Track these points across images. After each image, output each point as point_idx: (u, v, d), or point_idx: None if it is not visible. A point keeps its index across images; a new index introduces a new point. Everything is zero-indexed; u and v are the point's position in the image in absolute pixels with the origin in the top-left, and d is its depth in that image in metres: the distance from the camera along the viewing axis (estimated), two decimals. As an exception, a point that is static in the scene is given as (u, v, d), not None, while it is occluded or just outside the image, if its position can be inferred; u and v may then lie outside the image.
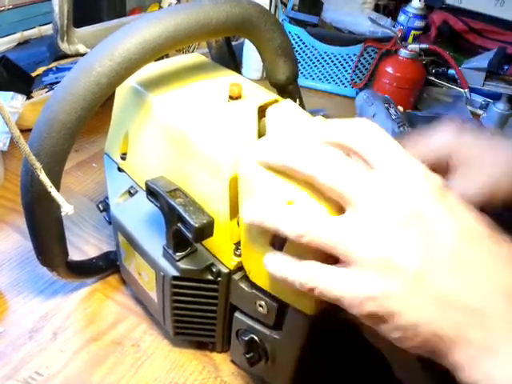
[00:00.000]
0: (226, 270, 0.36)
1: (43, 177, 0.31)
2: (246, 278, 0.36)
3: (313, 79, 0.97)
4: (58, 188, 0.35)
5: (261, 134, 0.37)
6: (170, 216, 0.34)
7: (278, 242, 0.31)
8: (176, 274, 0.37)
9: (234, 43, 0.93)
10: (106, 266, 0.49)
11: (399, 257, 0.24)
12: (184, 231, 0.33)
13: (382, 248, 0.24)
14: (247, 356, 0.37)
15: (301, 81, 0.81)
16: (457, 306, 0.23)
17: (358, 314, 0.25)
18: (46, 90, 0.77)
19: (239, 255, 0.36)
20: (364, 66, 0.93)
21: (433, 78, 0.96)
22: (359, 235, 0.25)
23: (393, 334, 0.25)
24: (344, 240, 0.25)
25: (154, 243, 0.38)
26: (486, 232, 0.25)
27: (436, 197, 0.25)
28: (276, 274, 0.29)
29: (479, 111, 0.90)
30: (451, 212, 0.25)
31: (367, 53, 0.91)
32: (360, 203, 0.25)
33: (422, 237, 0.24)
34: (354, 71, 0.93)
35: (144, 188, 0.36)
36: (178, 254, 0.36)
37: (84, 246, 0.53)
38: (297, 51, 0.94)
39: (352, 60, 0.92)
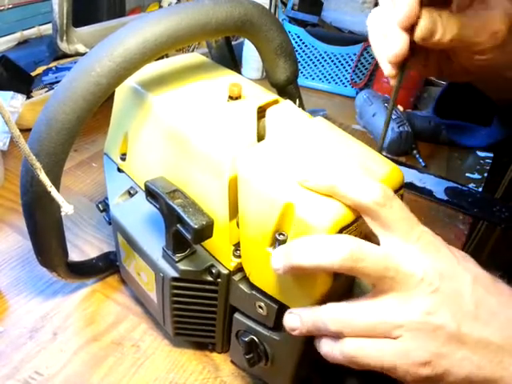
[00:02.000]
0: (225, 271, 0.36)
1: (43, 177, 0.31)
2: (245, 279, 0.36)
3: (313, 79, 0.97)
4: (57, 188, 0.35)
5: (260, 135, 0.37)
6: (170, 217, 0.34)
7: (278, 244, 0.31)
8: (175, 275, 0.37)
9: (233, 43, 0.93)
10: (105, 266, 0.49)
11: (436, 318, 0.25)
12: (183, 232, 0.33)
13: (421, 312, 0.25)
14: (247, 357, 0.37)
15: (301, 81, 0.81)
16: (492, 348, 0.25)
17: (412, 380, 0.26)
18: (46, 89, 0.77)
19: (239, 256, 0.35)
20: (364, 66, 0.93)
21: (433, 78, 0.96)
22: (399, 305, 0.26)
23: None
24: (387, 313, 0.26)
25: (154, 244, 0.38)
26: (489, 276, 0.27)
27: (457, 259, 0.27)
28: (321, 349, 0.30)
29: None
30: (464, 266, 0.27)
31: (367, 53, 0.91)
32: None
33: (449, 294, 0.26)
34: (353, 71, 0.93)
35: (144, 188, 0.36)
36: (178, 255, 0.36)
37: (84, 246, 0.53)
38: (297, 51, 0.94)
39: (352, 60, 0.92)
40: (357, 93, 0.90)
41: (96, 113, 0.35)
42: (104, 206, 0.47)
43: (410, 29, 0.30)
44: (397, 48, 0.31)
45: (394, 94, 0.36)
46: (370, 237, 0.29)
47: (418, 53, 0.33)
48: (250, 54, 0.94)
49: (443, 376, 0.25)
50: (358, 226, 0.30)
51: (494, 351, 0.25)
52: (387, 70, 0.34)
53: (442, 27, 0.30)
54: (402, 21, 0.30)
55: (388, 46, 0.31)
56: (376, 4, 1.07)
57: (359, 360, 0.27)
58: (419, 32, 0.30)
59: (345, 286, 0.33)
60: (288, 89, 0.47)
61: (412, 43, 0.31)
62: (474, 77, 0.38)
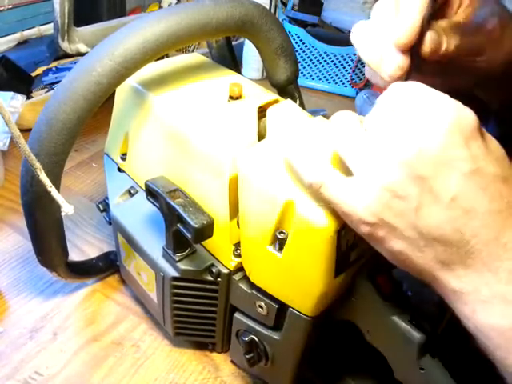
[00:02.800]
0: (225, 271, 0.36)
1: (43, 177, 0.31)
2: (245, 278, 0.36)
3: (313, 79, 0.97)
4: (57, 188, 0.35)
5: (261, 134, 0.37)
6: (170, 216, 0.34)
7: (279, 242, 0.31)
8: (176, 274, 0.37)
9: (233, 43, 0.93)
10: (105, 266, 0.49)
11: (400, 190, 0.24)
12: (184, 232, 0.33)
13: (386, 176, 0.24)
14: (247, 356, 0.37)
15: (301, 81, 0.81)
16: (442, 241, 0.24)
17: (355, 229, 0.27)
18: (46, 89, 0.77)
19: (239, 256, 0.35)
20: (364, 66, 0.93)
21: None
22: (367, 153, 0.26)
23: (393, 246, 0.26)
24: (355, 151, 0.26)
25: (154, 244, 0.38)
26: (501, 176, 0.24)
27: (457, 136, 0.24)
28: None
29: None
30: (473, 156, 0.24)
31: (367, 53, 0.91)
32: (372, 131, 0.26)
33: (429, 177, 0.24)
34: (353, 71, 0.93)
35: (144, 188, 0.36)
36: (178, 254, 0.36)
37: (84, 246, 0.53)
38: (297, 51, 0.94)
39: (352, 60, 0.92)
40: (357, 93, 0.90)
41: (96, 113, 0.35)
42: (104, 206, 0.47)
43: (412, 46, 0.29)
44: (396, 70, 0.29)
45: None
46: None
47: (422, 68, 0.31)
48: (251, 54, 0.94)
49: (381, 241, 0.26)
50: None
51: (443, 245, 0.24)
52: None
53: (445, 37, 0.30)
54: (404, 42, 0.28)
55: (386, 67, 0.30)
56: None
57: (322, 195, 0.27)
58: (428, 46, 0.29)
59: (345, 285, 0.33)
60: (288, 89, 0.47)
61: (414, 60, 0.30)
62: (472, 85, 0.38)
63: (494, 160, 0.24)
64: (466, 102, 0.25)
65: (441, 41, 0.29)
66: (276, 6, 0.93)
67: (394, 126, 0.25)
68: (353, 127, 0.27)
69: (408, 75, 0.30)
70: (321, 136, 0.31)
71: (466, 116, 0.24)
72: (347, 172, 0.27)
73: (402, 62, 0.29)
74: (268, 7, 0.89)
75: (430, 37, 0.29)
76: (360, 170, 0.26)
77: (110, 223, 0.45)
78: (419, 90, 0.26)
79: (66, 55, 0.50)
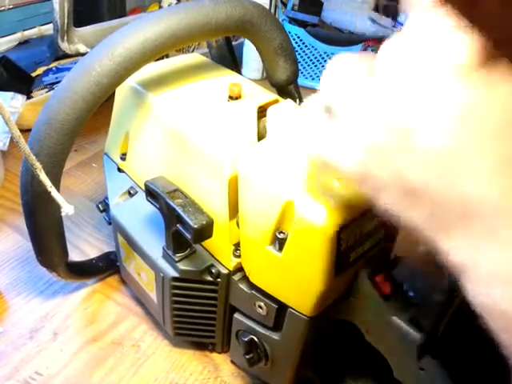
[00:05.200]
0: (225, 271, 0.36)
1: (43, 177, 0.31)
2: (245, 278, 0.36)
3: (313, 79, 0.97)
4: (57, 188, 0.35)
5: (261, 134, 0.37)
6: (170, 217, 0.34)
7: (278, 242, 0.31)
8: (175, 274, 0.37)
9: (233, 43, 0.93)
10: (105, 266, 0.49)
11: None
12: (183, 232, 0.33)
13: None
14: (247, 357, 0.37)
15: (301, 81, 0.81)
16: (432, 199, 0.21)
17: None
18: (46, 89, 0.77)
19: (239, 256, 0.35)
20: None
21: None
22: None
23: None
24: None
25: (154, 244, 0.38)
26: (502, 120, 0.19)
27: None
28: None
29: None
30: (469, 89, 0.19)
31: (367, 53, 0.91)
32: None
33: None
34: (354, 71, 0.93)
35: (144, 188, 0.36)
36: (178, 254, 0.36)
37: (84, 246, 0.53)
38: (297, 51, 0.94)
39: (352, 60, 0.92)
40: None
41: (96, 113, 0.35)
42: (104, 206, 0.47)
43: None
44: None
45: None
46: None
47: None
48: (250, 55, 0.94)
49: (376, 200, 0.23)
50: (358, 225, 0.30)
51: (434, 203, 0.21)
52: None
53: None
54: None
55: None
56: (376, 5, 1.07)
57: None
58: None
59: (345, 285, 0.33)
60: (288, 89, 0.47)
61: None
62: None
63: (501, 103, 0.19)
64: None
65: None
66: (276, 6, 0.93)
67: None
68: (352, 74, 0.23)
69: None
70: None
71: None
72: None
73: None
74: (268, 7, 0.89)
75: None
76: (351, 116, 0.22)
77: (110, 223, 0.45)
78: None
79: (67, 55, 0.50)
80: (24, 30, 0.87)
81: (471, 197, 0.20)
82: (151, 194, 0.35)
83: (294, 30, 0.93)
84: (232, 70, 0.46)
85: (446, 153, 0.20)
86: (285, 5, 1.00)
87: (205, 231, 0.33)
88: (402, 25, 0.98)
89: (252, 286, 0.35)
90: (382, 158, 0.22)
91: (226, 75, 0.44)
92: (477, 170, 0.19)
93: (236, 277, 0.36)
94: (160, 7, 1.05)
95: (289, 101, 0.41)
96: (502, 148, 0.19)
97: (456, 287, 0.22)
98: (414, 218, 0.22)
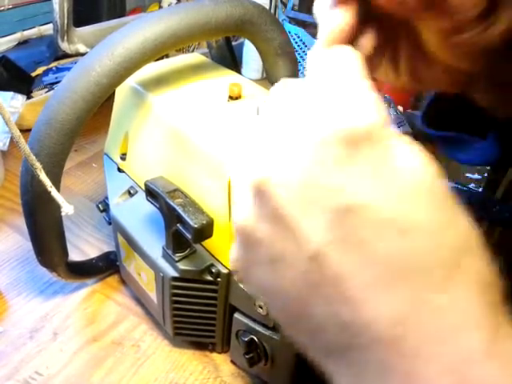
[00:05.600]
0: (225, 271, 0.36)
1: (43, 177, 0.31)
2: (245, 278, 0.36)
3: (313, 79, 0.97)
4: (57, 188, 0.35)
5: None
6: (170, 216, 0.34)
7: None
8: (175, 274, 0.37)
9: (233, 43, 0.93)
10: (105, 266, 0.49)
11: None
12: (183, 232, 0.33)
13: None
14: (247, 357, 0.37)
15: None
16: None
17: None
18: (46, 89, 0.77)
19: (239, 256, 0.35)
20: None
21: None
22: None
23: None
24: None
25: (154, 244, 0.38)
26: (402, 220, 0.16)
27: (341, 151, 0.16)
28: None
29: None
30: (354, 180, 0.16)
31: (367, 53, 0.91)
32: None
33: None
34: (354, 71, 0.93)
35: (144, 188, 0.36)
36: (178, 254, 0.36)
37: (84, 246, 0.53)
38: (297, 51, 0.94)
39: (352, 60, 0.92)
40: (357, 93, 0.89)
41: (96, 113, 0.35)
42: (104, 206, 0.47)
43: None
44: (330, 31, 0.21)
45: None
46: None
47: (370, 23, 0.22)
48: (250, 55, 0.94)
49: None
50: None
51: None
52: None
53: None
54: None
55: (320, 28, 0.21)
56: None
57: None
58: None
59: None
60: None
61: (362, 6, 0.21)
62: (462, 85, 0.28)
63: (398, 193, 0.16)
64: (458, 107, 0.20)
65: None
66: (276, 6, 0.93)
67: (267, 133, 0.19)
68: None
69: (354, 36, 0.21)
70: None
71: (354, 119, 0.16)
72: None
73: (339, 18, 0.21)
74: (268, 7, 0.89)
75: None
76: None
77: (110, 223, 0.45)
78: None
79: (66, 55, 0.50)
80: (24, 30, 0.87)
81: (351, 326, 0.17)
82: (151, 193, 0.35)
83: (293, 30, 0.93)
84: (232, 70, 0.46)
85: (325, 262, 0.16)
86: (285, 5, 1.00)
87: (205, 231, 0.33)
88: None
89: (252, 285, 0.35)
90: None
91: (226, 75, 0.44)
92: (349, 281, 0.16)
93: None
94: (160, 7, 1.05)
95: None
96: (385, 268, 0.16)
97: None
98: (294, 335, 0.20)
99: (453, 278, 0.16)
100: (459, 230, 0.16)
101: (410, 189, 0.16)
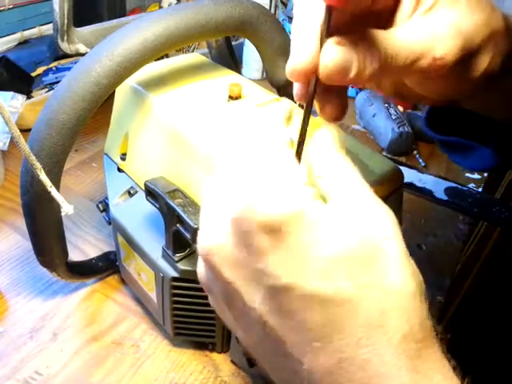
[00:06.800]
0: (225, 271, 0.36)
1: (43, 177, 0.31)
2: (245, 278, 0.36)
3: (313, 79, 0.97)
4: (57, 188, 0.35)
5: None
6: (169, 217, 0.34)
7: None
8: (175, 274, 0.37)
9: (233, 43, 0.93)
10: (105, 266, 0.49)
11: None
12: (183, 232, 0.33)
13: None
14: (247, 357, 0.37)
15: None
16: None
17: None
18: (46, 89, 0.77)
19: (239, 256, 0.35)
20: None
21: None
22: None
23: None
24: None
25: (154, 244, 0.38)
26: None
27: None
28: None
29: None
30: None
31: (367, 53, 0.90)
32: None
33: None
34: (354, 71, 0.93)
35: (144, 188, 0.36)
36: (178, 254, 0.36)
37: (84, 246, 0.53)
38: (297, 51, 0.94)
39: (352, 60, 0.92)
40: (357, 93, 0.89)
41: (96, 113, 0.35)
42: (104, 206, 0.47)
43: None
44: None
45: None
46: None
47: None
48: (250, 55, 0.94)
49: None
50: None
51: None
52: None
53: (357, 61, 0.20)
54: (300, 67, 0.21)
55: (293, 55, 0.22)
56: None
57: None
58: (325, 70, 0.20)
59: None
60: (288, 89, 0.47)
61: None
62: (444, 103, 0.30)
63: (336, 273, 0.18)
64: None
65: (347, 67, 0.20)
66: (276, 6, 0.93)
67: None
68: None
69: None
70: None
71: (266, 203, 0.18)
72: None
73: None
74: (268, 7, 0.89)
75: (328, 59, 0.20)
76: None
77: (110, 223, 0.45)
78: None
79: (66, 55, 0.50)
80: (24, 30, 0.87)
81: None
82: (151, 193, 0.35)
83: (293, 30, 0.93)
84: (232, 70, 0.46)
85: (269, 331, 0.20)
86: (285, 5, 1.00)
87: (205, 231, 0.33)
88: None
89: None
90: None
91: (226, 75, 0.44)
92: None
93: (236, 277, 0.36)
94: (160, 7, 1.05)
95: (288, 101, 0.41)
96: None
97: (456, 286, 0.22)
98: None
99: (374, 335, 0.18)
100: (378, 294, 0.18)
101: (325, 262, 0.18)
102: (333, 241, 0.18)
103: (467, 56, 0.23)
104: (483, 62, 0.24)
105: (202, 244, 0.21)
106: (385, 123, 0.76)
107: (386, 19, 0.24)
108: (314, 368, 0.19)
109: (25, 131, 0.34)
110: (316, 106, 0.24)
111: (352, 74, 0.20)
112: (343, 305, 0.18)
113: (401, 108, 0.82)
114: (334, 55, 0.20)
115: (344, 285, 0.18)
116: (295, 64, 0.21)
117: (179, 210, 0.33)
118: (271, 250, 0.18)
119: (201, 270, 0.23)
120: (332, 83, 0.21)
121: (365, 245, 0.18)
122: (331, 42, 0.20)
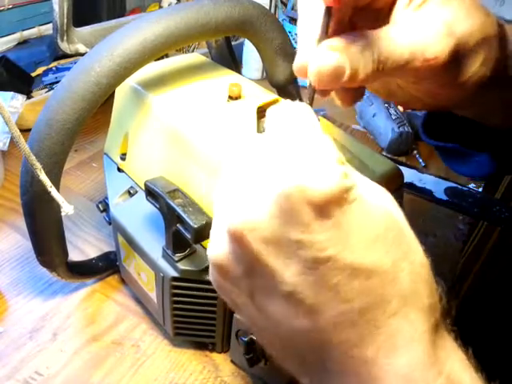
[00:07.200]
0: (225, 271, 0.36)
1: (43, 177, 0.31)
2: (245, 278, 0.36)
3: (313, 79, 0.97)
4: (57, 188, 0.35)
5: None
6: (170, 217, 0.34)
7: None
8: (175, 274, 0.37)
9: (233, 43, 0.93)
10: (105, 266, 0.49)
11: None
12: (183, 232, 0.33)
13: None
14: (247, 357, 0.37)
15: (301, 81, 0.81)
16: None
17: None
18: (46, 89, 0.77)
19: (239, 256, 0.35)
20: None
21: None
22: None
23: None
24: None
25: (154, 244, 0.38)
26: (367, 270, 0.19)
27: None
28: None
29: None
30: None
31: (367, 53, 0.90)
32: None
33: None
34: (354, 71, 0.93)
35: (144, 188, 0.36)
36: (178, 254, 0.36)
37: (84, 246, 0.53)
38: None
39: (352, 60, 0.92)
40: (357, 93, 0.89)
41: (96, 113, 0.35)
42: (104, 206, 0.47)
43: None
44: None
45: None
46: None
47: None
48: (250, 54, 0.94)
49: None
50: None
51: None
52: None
53: (350, 66, 0.21)
54: (301, 66, 0.22)
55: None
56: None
57: None
58: (316, 76, 0.21)
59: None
60: (288, 89, 0.47)
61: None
62: (436, 108, 0.30)
63: (361, 247, 0.19)
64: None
65: (339, 71, 0.21)
66: (276, 6, 0.93)
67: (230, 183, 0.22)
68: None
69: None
70: None
71: (316, 182, 0.18)
72: None
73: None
74: (268, 7, 0.89)
75: (320, 63, 0.20)
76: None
77: (110, 223, 0.45)
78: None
79: (66, 55, 0.50)
80: (23, 30, 0.87)
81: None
82: (151, 193, 0.35)
83: (294, 30, 0.93)
84: (232, 70, 0.46)
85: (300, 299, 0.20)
86: (285, 5, 1.00)
87: (205, 231, 0.33)
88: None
89: (252, 285, 0.35)
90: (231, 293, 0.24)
91: (226, 75, 0.44)
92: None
93: (236, 277, 0.36)
94: (160, 7, 1.05)
95: (289, 101, 0.41)
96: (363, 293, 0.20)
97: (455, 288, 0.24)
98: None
99: (407, 304, 0.19)
100: (409, 267, 0.20)
101: (367, 237, 0.19)
102: (373, 218, 0.19)
103: (460, 57, 0.24)
104: (475, 65, 0.25)
105: (232, 222, 0.20)
106: (385, 123, 0.76)
107: (385, 15, 0.25)
108: (345, 342, 0.20)
109: (25, 131, 0.34)
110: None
111: (344, 78, 0.21)
112: (382, 276, 0.19)
113: (401, 108, 0.82)
114: (326, 61, 0.21)
115: (383, 258, 0.19)
116: (297, 63, 0.22)
117: (179, 209, 0.33)
118: (317, 223, 0.19)
119: (222, 256, 0.22)
120: (325, 88, 0.22)
121: (394, 222, 0.20)
122: (324, 46, 0.21)
